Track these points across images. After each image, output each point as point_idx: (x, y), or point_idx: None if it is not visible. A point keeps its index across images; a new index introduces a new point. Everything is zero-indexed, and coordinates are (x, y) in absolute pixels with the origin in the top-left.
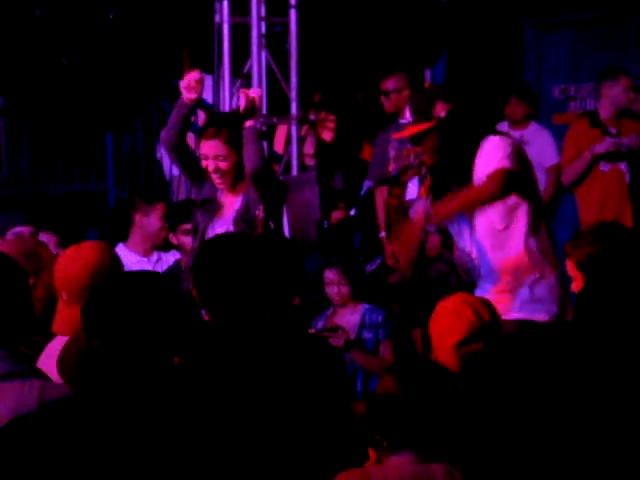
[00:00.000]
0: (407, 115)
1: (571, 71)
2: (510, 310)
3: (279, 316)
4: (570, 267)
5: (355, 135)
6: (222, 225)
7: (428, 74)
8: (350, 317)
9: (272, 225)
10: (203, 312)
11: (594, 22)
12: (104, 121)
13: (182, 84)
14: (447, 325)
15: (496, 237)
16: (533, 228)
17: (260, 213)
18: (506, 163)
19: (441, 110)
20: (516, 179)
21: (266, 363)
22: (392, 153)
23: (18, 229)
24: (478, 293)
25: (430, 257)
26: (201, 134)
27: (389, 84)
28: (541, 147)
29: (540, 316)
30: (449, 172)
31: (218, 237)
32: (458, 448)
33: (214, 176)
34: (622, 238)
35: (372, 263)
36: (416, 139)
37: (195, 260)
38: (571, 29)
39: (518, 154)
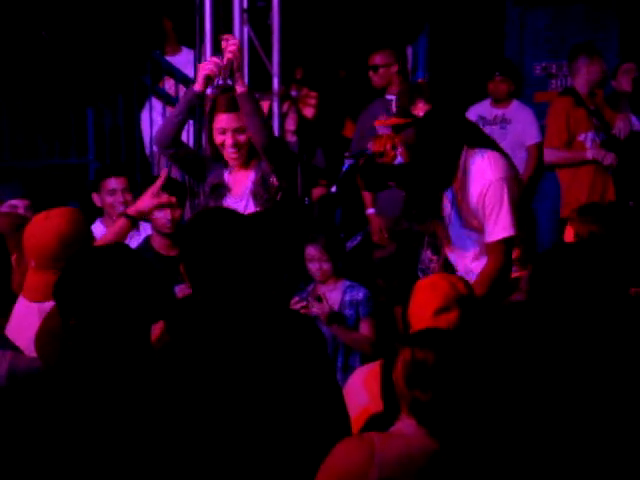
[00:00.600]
0: (393, 91)
1: (552, 49)
2: None
3: (264, 292)
4: (569, 234)
5: (337, 112)
6: (235, 202)
7: (410, 50)
8: (331, 294)
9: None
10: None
11: (576, 0)
12: (85, 95)
13: (202, 71)
14: (425, 296)
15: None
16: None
17: (275, 181)
18: (510, 224)
19: (421, 110)
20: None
21: (245, 337)
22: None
23: (13, 202)
24: None
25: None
26: (214, 108)
27: (377, 59)
28: (523, 125)
29: None
30: (421, 174)
31: (206, 211)
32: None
33: (230, 151)
34: (629, 224)
35: (353, 240)
36: (396, 130)
37: (182, 233)
38: (553, 7)
39: (510, 171)
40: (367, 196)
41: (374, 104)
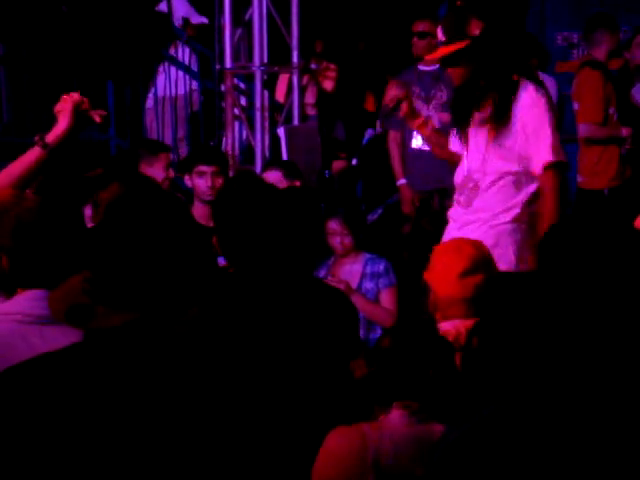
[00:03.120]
0: (427, 62)
1: (573, 19)
2: None
3: (299, 265)
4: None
5: (357, 85)
6: None
7: None
8: (351, 267)
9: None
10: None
11: None
12: (105, 70)
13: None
14: (450, 259)
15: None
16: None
17: None
18: (555, 145)
19: (475, 28)
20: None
21: (281, 311)
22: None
23: None
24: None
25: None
26: None
27: (424, 26)
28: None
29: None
30: (477, 94)
31: (237, 182)
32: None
33: None
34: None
35: (374, 213)
36: (448, 60)
37: (215, 206)
38: None
39: (553, 106)
40: (397, 167)
41: (404, 74)
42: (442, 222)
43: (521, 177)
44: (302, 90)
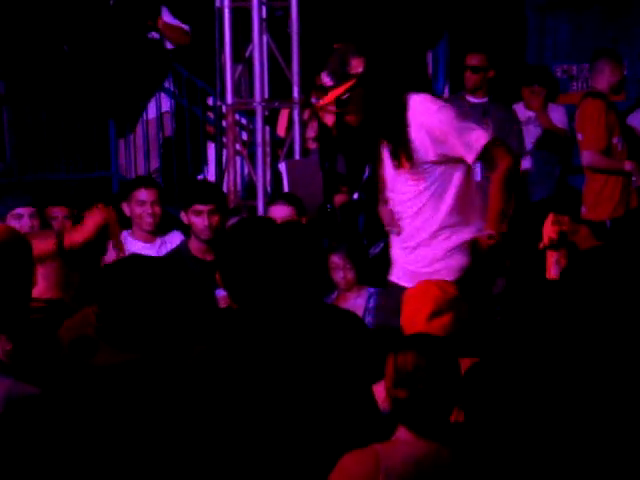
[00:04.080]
0: (479, 94)
1: (572, 51)
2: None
3: (305, 298)
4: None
5: None
6: None
7: (430, 56)
8: (355, 301)
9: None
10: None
11: (596, 1)
12: (106, 108)
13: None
14: (416, 303)
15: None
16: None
17: None
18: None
19: (357, 66)
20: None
21: (291, 342)
22: None
23: (18, 210)
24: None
25: None
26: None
27: (478, 60)
28: (559, 119)
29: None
30: (379, 126)
31: (242, 220)
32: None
33: None
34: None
35: (376, 246)
36: (341, 102)
37: (219, 243)
38: (572, 9)
39: (448, 104)
40: None
41: (454, 102)
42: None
43: (437, 188)
44: (303, 125)
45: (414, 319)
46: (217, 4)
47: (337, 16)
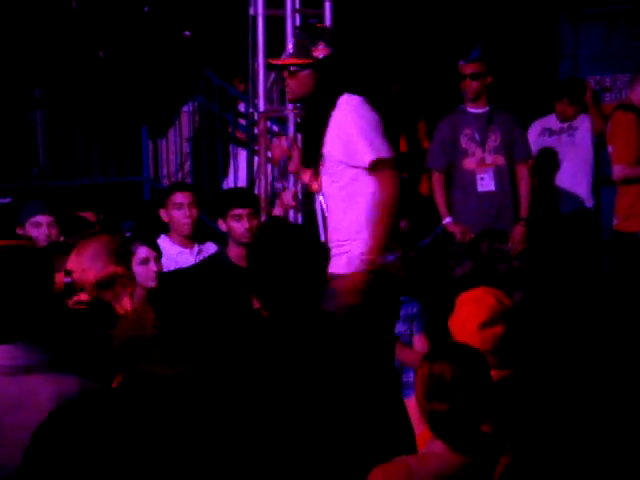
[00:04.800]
0: (480, 104)
1: (606, 63)
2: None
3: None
4: None
5: (391, 127)
6: None
7: None
8: None
9: None
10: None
11: (629, 13)
12: (139, 113)
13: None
14: (470, 309)
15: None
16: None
17: None
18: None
19: (321, 51)
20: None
21: (320, 354)
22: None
23: (37, 218)
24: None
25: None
26: None
27: (475, 68)
28: (586, 132)
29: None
30: (313, 118)
31: (272, 226)
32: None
33: None
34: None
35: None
36: (290, 71)
37: (250, 250)
38: (606, 20)
39: (370, 110)
40: (442, 206)
41: (455, 115)
42: (489, 265)
43: (348, 193)
44: None
45: (465, 325)
46: (251, 12)
47: (370, 24)
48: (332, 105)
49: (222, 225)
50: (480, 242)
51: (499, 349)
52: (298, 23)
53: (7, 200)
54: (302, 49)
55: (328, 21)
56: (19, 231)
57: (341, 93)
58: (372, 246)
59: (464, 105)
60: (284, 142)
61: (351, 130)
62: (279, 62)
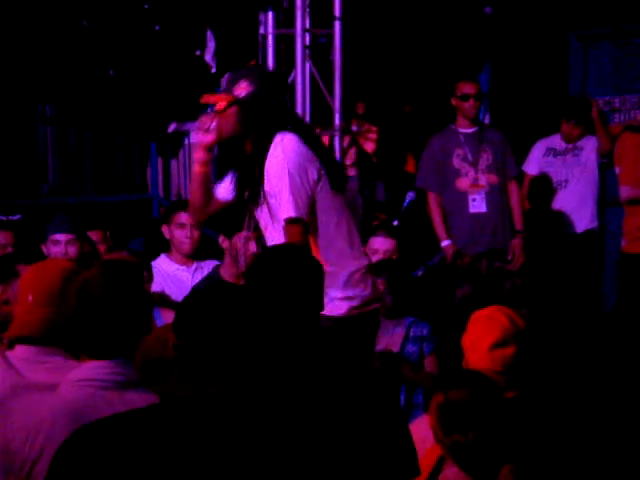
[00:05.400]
0: (460, 124)
1: (615, 83)
2: None
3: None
4: None
5: (399, 147)
6: None
7: None
8: (394, 329)
9: None
10: None
11: (638, 33)
12: (149, 131)
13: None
14: (482, 328)
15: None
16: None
17: None
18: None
19: (242, 90)
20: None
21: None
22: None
23: (56, 236)
24: None
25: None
26: None
27: (470, 88)
28: (591, 152)
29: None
30: (247, 156)
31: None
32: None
33: None
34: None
35: (414, 275)
36: (216, 110)
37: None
38: (615, 41)
39: (303, 157)
40: (440, 228)
41: (445, 135)
42: (492, 284)
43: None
44: (343, 151)
45: (476, 343)
46: (261, 31)
47: (380, 44)
48: (269, 142)
49: (224, 243)
50: (478, 262)
51: (508, 370)
52: (308, 42)
53: (17, 217)
54: (226, 87)
55: (337, 40)
56: (42, 247)
57: (273, 131)
58: None
59: (454, 125)
60: (206, 120)
61: (284, 181)
62: (204, 100)
